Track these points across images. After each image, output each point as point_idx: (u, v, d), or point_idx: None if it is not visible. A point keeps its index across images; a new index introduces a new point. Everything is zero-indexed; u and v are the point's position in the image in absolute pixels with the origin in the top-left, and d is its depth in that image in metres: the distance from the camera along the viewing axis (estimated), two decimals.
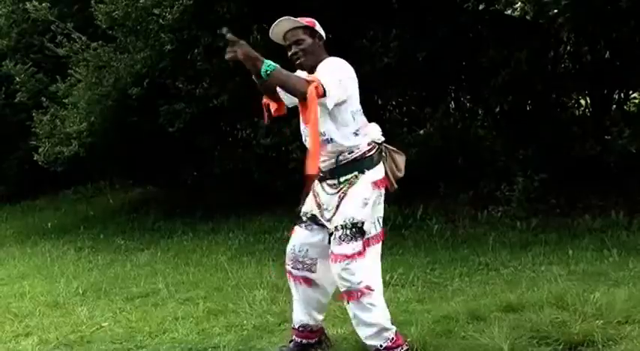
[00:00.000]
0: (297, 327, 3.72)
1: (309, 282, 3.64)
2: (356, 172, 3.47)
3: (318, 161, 3.40)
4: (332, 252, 3.41)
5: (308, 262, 3.61)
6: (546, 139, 7.28)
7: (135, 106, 9.06)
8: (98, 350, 4.13)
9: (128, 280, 6.42)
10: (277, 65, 3.22)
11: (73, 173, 11.44)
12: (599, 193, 6.96)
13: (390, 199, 7.92)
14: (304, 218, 3.64)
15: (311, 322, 3.70)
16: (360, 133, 3.48)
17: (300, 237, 3.64)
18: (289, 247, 3.68)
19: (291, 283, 3.71)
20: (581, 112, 8.13)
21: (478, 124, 8.20)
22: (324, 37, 3.57)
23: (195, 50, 8.38)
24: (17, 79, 11.16)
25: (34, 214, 13.20)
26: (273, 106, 3.67)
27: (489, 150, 7.60)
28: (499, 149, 7.49)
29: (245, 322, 4.47)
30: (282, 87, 3.39)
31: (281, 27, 3.48)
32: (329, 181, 3.52)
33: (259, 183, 8.62)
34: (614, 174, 6.96)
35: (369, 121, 3.64)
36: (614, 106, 7.70)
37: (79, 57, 9.38)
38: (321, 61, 3.43)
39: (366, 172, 3.47)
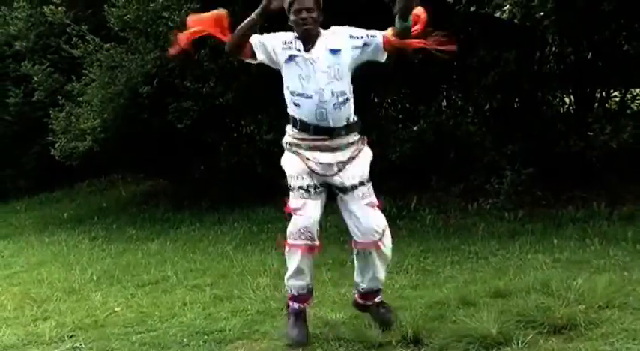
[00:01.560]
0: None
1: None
2: (359, 133, 3.62)
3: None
4: (368, 203, 3.52)
5: (317, 229, 3.54)
6: (533, 136, 7.27)
7: (145, 103, 9.06)
8: (111, 333, 4.13)
9: (139, 268, 6.43)
10: None
11: (88, 167, 11.45)
12: (581, 186, 6.96)
13: (384, 192, 7.96)
14: (310, 190, 3.50)
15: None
16: None
17: (317, 209, 3.52)
18: (308, 223, 3.47)
19: (310, 256, 3.55)
20: (565, 110, 8.12)
21: (469, 121, 8.18)
22: None
23: (202, 51, 8.36)
24: (35, 78, 11.17)
25: (51, 205, 13.22)
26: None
27: (479, 145, 7.59)
28: (488, 145, 7.48)
29: (249, 307, 4.47)
30: None
31: None
32: (335, 144, 3.52)
33: (262, 176, 8.61)
34: (596, 168, 6.95)
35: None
36: (596, 104, 7.69)
37: (93, 58, 9.38)
38: (318, 33, 3.54)
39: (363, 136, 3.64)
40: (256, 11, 3.46)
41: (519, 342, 3.20)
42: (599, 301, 3.69)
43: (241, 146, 9.66)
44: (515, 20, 6.82)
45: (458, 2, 6.19)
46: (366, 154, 3.63)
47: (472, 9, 6.28)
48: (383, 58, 3.60)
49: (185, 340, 3.85)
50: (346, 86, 3.52)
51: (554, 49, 7.88)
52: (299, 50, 3.51)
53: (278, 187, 3.70)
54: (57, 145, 9.82)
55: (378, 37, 3.54)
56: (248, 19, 3.48)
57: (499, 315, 3.52)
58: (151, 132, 9.45)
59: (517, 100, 8.11)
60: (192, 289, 5.27)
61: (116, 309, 4.81)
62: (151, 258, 6.93)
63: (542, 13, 5.84)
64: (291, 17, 3.53)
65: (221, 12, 3.60)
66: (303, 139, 3.57)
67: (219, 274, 5.70)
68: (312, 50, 3.51)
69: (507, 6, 6.23)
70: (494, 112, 8.08)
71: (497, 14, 7.21)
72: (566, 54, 7.80)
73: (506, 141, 7.30)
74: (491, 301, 3.96)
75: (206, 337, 3.87)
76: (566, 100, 8.15)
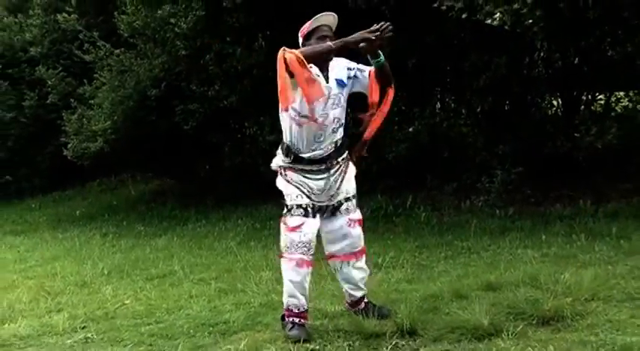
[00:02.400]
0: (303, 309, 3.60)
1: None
2: (346, 152, 3.70)
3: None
4: (350, 219, 3.64)
5: (313, 245, 3.57)
6: (522, 136, 7.27)
7: (153, 106, 9.08)
8: (121, 325, 4.13)
9: (148, 263, 6.43)
10: None
11: (98, 167, 11.49)
12: (568, 185, 6.95)
13: (381, 190, 7.96)
14: (309, 209, 3.55)
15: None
16: None
17: (314, 227, 3.56)
18: (306, 239, 3.50)
19: (306, 270, 3.55)
20: (553, 112, 8.11)
21: (461, 122, 8.18)
22: None
23: (207, 56, 8.37)
24: (49, 82, 11.22)
25: (64, 203, 13.24)
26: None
27: (471, 146, 7.60)
28: (480, 145, 7.48)
29: (252, 300, 4.46)
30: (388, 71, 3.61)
31: (334, 20, 3.59)
32: (325, 165, 3.58)
33: (265, 175, 8.60)
34: (583, 168, 6.94)
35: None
36: (583, 106, 7.68)
37: (104, 62, 9.41)
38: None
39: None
40: (337, 43, 3.43)
41: (509, 333, 3.19)
42: (585, 294, 3.68)
43: (245, 147, 9.67)
44: (506, 27, 6.80)
45: (451, 9, 6.18)
46: (352, 170, 3.72)
47: (464, 16, 6.26)
48: (367, 89, 3.67)
49: (191, 331, 3.85)
50: (343, 113, 3.63)
51: (542, 54, 7.87)
52: (318, 75, 3.53)
53: None
54: (69, 145, 9.85)
55: (365, 72, 3.64)
56: (327, 46, 3.42)
57: (490, 307, 3.51)
58: (158, 133, 9.47)
59: (507, 102, 8.11)
60: (198, 283, 5.27)
61: (126, 302, 4.80)
62: (158, 253, 6.93)
63: (530, 21, 5.83)
64: (313, 41, 3.53)
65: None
66: (294, 165, 3.60)
67: (224, 269, 5.70)
68: (328, 79, 3.56)
69: (498, 13, 6.22)
70: (486, 114, 8.08)
71: (489, 21, 7.20)
72: (553, 59, 7.80)
73: (497, 142, 7.30)
74: (483, 294, 3.96)
75: (211, 328, 3.87)
76: (554, 102, 8.15)
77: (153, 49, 8.90)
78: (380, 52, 3.51)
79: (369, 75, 3.63)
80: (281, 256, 3.61)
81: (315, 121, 3.51)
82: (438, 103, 8.79)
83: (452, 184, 7.69)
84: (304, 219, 3.53)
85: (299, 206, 3.55)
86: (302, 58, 3.31)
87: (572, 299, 3.61)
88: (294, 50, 3.38)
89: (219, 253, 6.60)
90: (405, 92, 8.87)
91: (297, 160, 3.60)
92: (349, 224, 3.64)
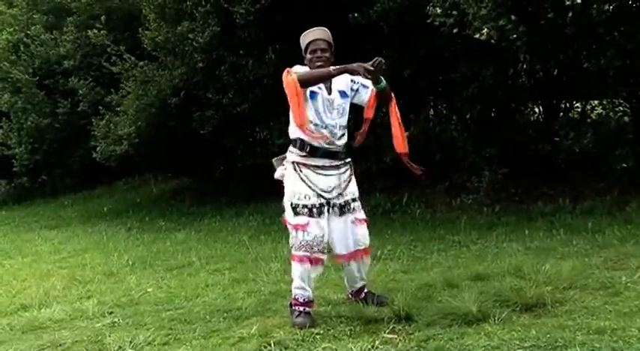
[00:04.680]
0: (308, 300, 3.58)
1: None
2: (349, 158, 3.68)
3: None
4: (356, 217, 3.57)
5: (326, 244, 3.50)
6: (507, 140, 7.25)
7: (173, 113, 9.09)
8: (144, 311, 4.13)
9: (168, 254, 6.43)
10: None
11: (124, 167, 11.50)
12: (549, 184, 6.94)
13: (380, 189, 7.93)
14: (314, 209, 3.46)
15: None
16: None
17: (320, 226, 3.45)
18: (312, 237, 3.40)
19: (317, 267, 3.49)
20: (535, 119, 8.10)
21: (452, 127, 8.15)
22: None
23: (222, 67, 8.37)
24: (80, 92, 11.28)
25: (93, 200, 13.27)
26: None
27: (462, 149, 7.57)
28: (469, 148, 7.46)
29: (263, 288, 4.46)
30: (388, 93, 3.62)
31: (322, 33, 3.58)
32: (336, 163, 3.56)
33: (274, 175, 8.61)
34: (561, 169, 6.93)
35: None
36: (561, 113, 7.67)
37: (129, 73, 9.42)
38: None
39: None
40: (337, 69, 3.40)
41: (496, 319, 3.19)
42: (564, 283, 3.68)
43: (255, 149, 9.68)
44: (492, 41, 6.81)
45: (443, 25, 6.17)
46: (354, 176, 3.68)
47: (455, 31, 6.26)
48: (365, 104, 3.70)
49: (207, 316, 3.84)
50: (347, 120, 3.62)
51: (525, 66, 7.86)
52: (320, 88, 3.51)
53: None
54: (98, 148, 9.88)
55: (368, 89, 3.63)
56: (327, 71, 3.41)
57: (478, 295, 3.50)
58: (178, 137, 9.48)
59: (494, 109, 8.09)
60: (214, 273, 5.26)
61: (148, 290, 4.81)
62: (178, 246, 6.94)
63: (515, 36, 5.83)
64: (307, 56, 3.57)
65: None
66: (310, 159, 3.53)
67: (237, 260, 5.70)
68: (331, 91, 3.54)
69: (485, 29, 6.23)
70: (475, 120, 8.06)
71: (477, 36, 7.20)
72: (535, 70, 7.78)
73: (484, 145, 7.28)
74: (472, 283, 3.95)
75: (225, 314, 3.86)
76: (536, 110, 8.13)
77: (173, 62, 8.91)
78: (381, 77, 3.49)
79: (371, 93, 3.63)
80: (291, 253, 3.55)
81: (326, 128, 3.50)
82: (431, 110, 8.77)
83: (444, 184, 7.67)
84: (309, 219, 3.43)
85: (305, 206, 3.46)
86: (298, 86, 3.34)
87: (552, 288, 3.61)
88: (295, 73, 3.37)
89: (232, 246, 6.60)
90: (400, 100, 8.83)
91: (313, 152, 3.51)
92: (355, 222, 3.56)
